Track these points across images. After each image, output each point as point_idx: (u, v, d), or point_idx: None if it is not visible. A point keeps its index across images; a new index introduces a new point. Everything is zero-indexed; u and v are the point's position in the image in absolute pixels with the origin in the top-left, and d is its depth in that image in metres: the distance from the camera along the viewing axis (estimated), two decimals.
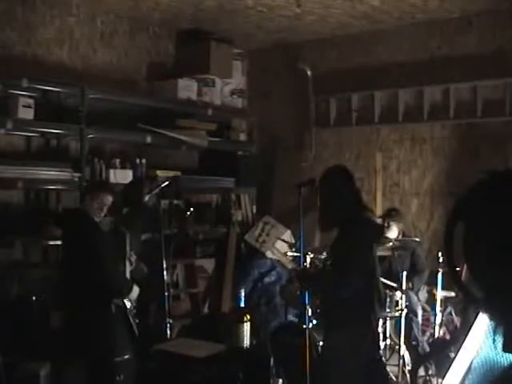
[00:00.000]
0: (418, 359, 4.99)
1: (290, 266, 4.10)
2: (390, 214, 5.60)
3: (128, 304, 4.40)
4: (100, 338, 4.08)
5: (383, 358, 5.08)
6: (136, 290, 4.45)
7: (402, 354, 4.92)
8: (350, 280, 3.75)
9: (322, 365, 3.99)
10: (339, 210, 3.87)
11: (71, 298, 4.24)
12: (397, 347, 5.05)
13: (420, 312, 5.49)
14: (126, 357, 4.00)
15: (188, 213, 5.97)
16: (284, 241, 6.13)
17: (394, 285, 4.94)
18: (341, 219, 3.86)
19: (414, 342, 5.31)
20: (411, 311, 5.31)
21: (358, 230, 3.81)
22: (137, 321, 4.37)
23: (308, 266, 4.92)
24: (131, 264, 4.67)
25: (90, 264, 4.17)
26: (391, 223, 5.50)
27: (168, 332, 4.84)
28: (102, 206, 4.38)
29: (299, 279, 4.17)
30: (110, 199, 4.43)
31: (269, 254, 6.35)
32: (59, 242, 4.98)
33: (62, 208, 5.46)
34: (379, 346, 4.50)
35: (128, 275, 4.59)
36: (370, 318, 3.93)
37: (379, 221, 5.38)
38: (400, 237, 5.64)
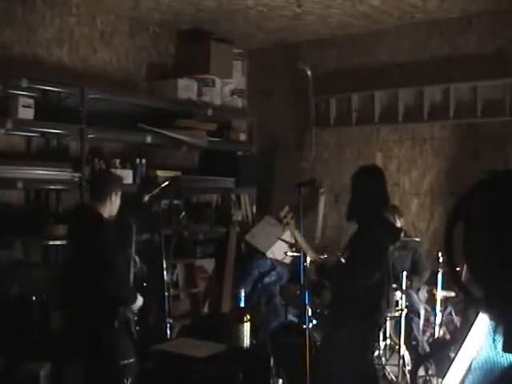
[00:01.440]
0: (418, 359, 4.99)
1: (311, 256, 4.11)
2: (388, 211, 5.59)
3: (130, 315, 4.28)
4: (101, 346, 4.01)
5: (383, 359, 5.10)
6: (140, 300, 4.20)
7: (402, 353, 4.92)
8: (356, 279, 3.76)
9: (324, 363, 3.99)
10: (359, 208, 3.90)
11: (72, 299, 4.20)
12: (397, 347, 5.05)
13: (422, 312, 5.48)
14: (132, 360, 3.99)
15: (181, 216, 5.91)
16: (284, 241, 6.12)
17: (394, 285, 4.94)
18: (359, 218, 3.89)
19: (413, 342, 5.31)
20: (413, 311, 5.31)
21: (373, 231, 3.82)
22: (135, 318, 4.34)
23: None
24: (135, 264, 4.64)
25: (98, 272, 3.95)
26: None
27: (168, 332, 4.84)
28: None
29: (317, 271, 4.15)
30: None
31: (269, 254, 6.34)
32: (59, 242, 4.99)
33: (69, 206, 5.39)
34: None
35: (132, 279, 4.55)
36: (376, 319, 3.94)
37: (399, 223, 5.39)
38: (402, 234, 5.64)
